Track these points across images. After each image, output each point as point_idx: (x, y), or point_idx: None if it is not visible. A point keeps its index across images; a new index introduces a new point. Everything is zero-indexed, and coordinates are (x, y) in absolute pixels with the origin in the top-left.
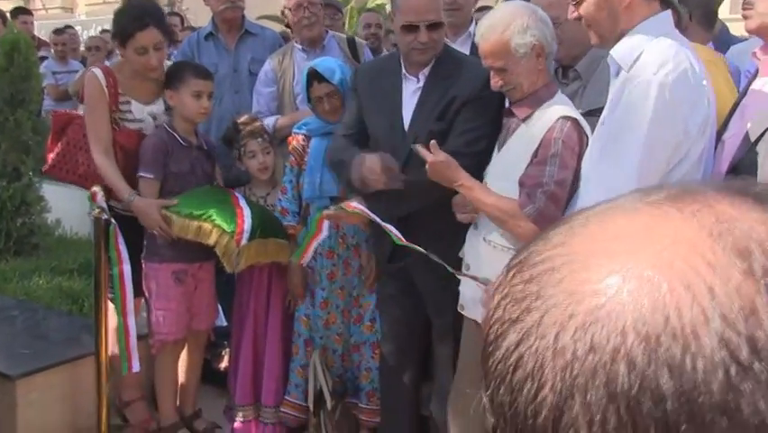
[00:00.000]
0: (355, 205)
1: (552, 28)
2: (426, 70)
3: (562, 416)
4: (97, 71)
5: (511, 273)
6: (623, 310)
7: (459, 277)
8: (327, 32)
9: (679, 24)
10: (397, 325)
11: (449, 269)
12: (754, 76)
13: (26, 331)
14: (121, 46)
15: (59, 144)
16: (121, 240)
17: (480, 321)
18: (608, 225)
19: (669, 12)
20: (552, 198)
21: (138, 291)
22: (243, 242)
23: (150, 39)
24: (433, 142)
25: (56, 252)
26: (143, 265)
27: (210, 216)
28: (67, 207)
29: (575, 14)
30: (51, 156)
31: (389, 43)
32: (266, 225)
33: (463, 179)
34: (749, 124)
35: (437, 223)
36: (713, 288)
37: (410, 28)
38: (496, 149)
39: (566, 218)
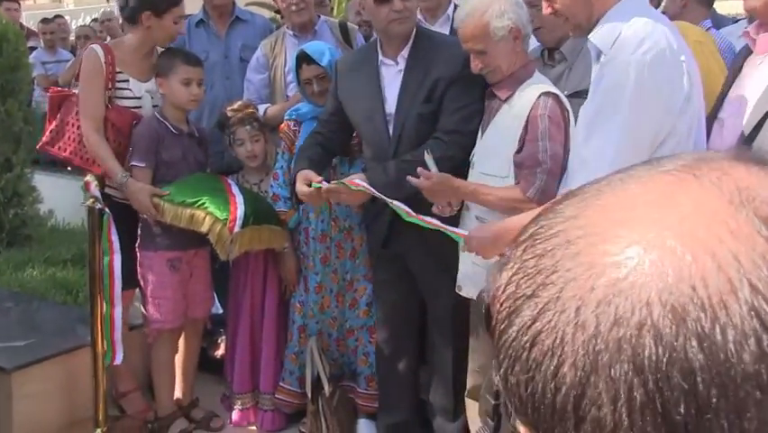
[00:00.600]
0: (358, 182)
1: (526, 11)
2: (405, 53)
3: (584, 393)
4: (97, 48)
5: (521, 248)
6: (647, 282)
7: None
8: (319, 17)
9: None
10: (393, 310)
11: (451, 234)
12: (747, 54)
13: (21, 323)
14: (157, 15)
15: (54, 122)
16: (113, 230)
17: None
18: (624, 195)
19: None
20: (550, 175)
21: (132, 282)
22: (236, 229)
23: (183, 10)
24: (420, 169)
25: (49, 242)
26: (138, 254)
27: (203, 204)
28: (59, 197)
29: (549, 11)
30: (46, 133)
31: None
32: (259, 212)
33: (462, 187)
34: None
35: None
36: (738, 256)
37: (383, 1)
38: (480, 131)
39: (575, 191)
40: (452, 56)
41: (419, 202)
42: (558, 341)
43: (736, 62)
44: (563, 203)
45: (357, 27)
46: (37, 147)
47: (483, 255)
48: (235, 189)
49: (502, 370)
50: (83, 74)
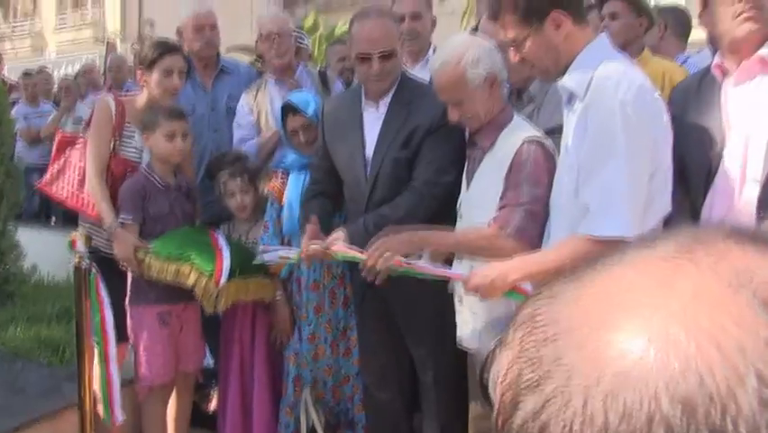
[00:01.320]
0: (341, 246)
1: (501, 56)
2: (387, 99)
3: None
4: (109, 99)
5: (521, 332)
6: (653, 373)
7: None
8: (299, 63)
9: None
10: (377, 355)
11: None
12: (713, 83)
13: (3, 385)
14: (147, 70)
15: (56, 163)
16: (102, 286)
17: (480, 348)
18: (621, 281)
19: (604, 34)
20: (530, 215)
21: (123, 336)
22: (222, 282)
23: (177, 62)
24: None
25: (33, 299)
26: (128, 309)
27: (189, 258)
28: (43, 252)
29: (517, 58)
30: (49, 171)
31: None
32: (246, 265)
33: (426, 238)
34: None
35: None
36: (743, 344)
37: (364, 58)
38: (464, 182)
39: (569, 274)
40: (432, 105)
41: None
42: None
43: (708, 94)
44: (560, 285)
45: (337, 75)
46: (36, 186)
47: (483, 295)
48: (222, 242)
49: None
50: (94, 121)
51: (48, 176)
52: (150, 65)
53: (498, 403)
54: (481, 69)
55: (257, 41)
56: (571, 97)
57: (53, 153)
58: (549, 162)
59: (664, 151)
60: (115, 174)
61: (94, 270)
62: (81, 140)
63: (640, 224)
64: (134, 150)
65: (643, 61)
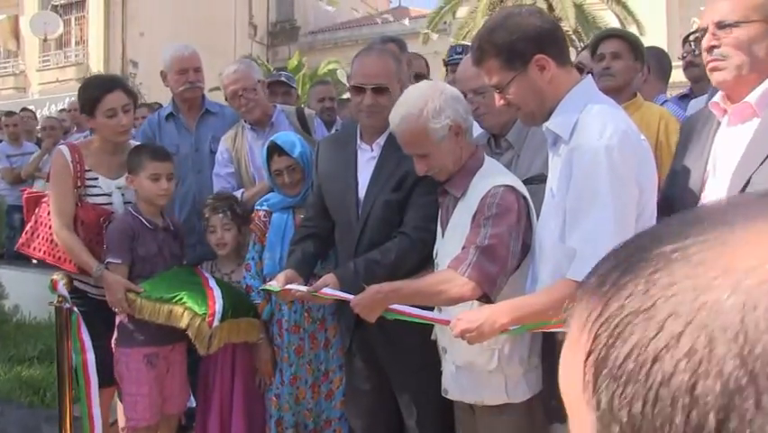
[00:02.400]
0: (329, 291)
1: (464, 103)
2: (381, 141)
3: (731, 406)
4: (63, 148)
5: (618, 272)
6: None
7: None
8: (275, 107)
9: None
10: (364, 398)
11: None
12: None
13: None
14: (90, 116)
15: (30, 223)
16: (84, 328)
17: (464, 401)
18: (747, 224)
19: (589, 77)
20: (484, 252)
21: (112, 379)
22: (215, 323)
23: (118, 100)
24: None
25: (15, 339)
26: (114, 350)
27: (181, 299)
28: (25, 292)
29: (502, 102)
30: (24, 232)
31: (345, 110)
32: (237, 305)
33: (385, 291)
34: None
35: None
36: None
37: (358, 90)
38: (439, 231)
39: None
40: None
41: None
42: (693, 357)
43: (705, 131)
44: (668, 225)
45: (314, 113)
46: (15, 249)
47: (471, 341)
48: (212, 283)
49: (608, 397)
50: (52, 175)
51: (23, 237)
52: (90, 110)
53: (591, 344)
54: (443, 119)
55: (226, 99)
56: (557, 140)
57: (25, 213)
58: (518, 202)
59: (651, 192)
60: (87, 223)
61: (75, 311)
62: (47, 196)
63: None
64: (101, 195)
65: (635, 105)
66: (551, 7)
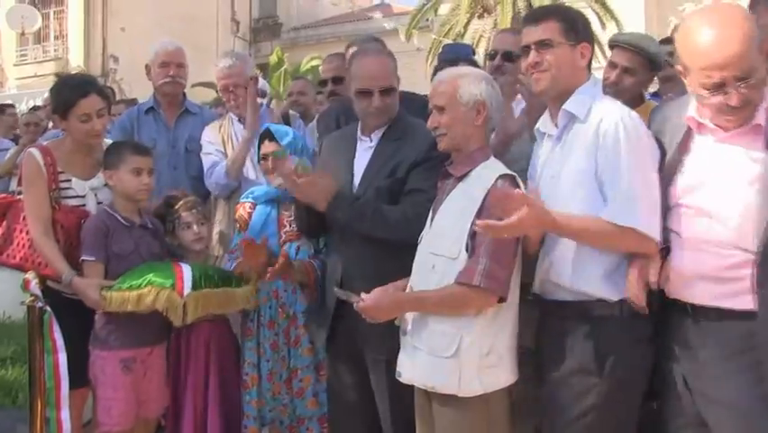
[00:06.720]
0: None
1: (501, 107)
2: (379, 132)
3: None
4: (35, 151)
5: None
6: None
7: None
8: (262, 104)
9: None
10: (346, 394)
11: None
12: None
13: None
14: (62, 118)
15: (1, 230)
16: (56, 328)
17: (418, 385)
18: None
19: (599, 78)
20: (493, 257)
21: (85, 380)
22: (186, 291)
23: (93, 105)
24: (354, 296)
25: None
26: (90, 352)
27: (148, 281)
28: None
29: (536, 59)
30: None
31: (317, 105)
32: (210, 276)
33: (402, 302)
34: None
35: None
36: None
37: (364, 93)
38: (431, 211)
39: None
40: (420, 140)
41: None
42: None
43: (677, 135)
44: None
45: (297, 114)
46: None
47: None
48: (181, 262)
49: None
50: (24, 179)
51: None
52: (63, 113)
53: None
54: (476, 90)
55: (217, 92)
56: (569, 123)
57: None
58: None
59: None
60: (67, 226)
61: (48, 310)
62: (19, 201)
63: (655, 219)
64: (76, 197)
65: (645, 110)
66: (530, 5)
